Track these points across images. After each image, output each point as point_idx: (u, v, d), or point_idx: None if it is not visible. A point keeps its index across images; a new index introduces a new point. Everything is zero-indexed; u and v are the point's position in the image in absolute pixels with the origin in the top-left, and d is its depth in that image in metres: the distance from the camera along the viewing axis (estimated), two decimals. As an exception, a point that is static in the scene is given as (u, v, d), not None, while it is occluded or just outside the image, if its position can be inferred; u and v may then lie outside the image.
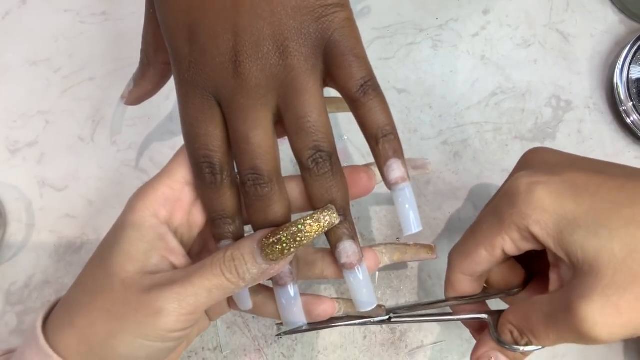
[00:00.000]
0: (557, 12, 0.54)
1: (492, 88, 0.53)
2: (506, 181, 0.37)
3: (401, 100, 0.52)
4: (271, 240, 0.31)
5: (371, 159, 0.34)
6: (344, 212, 0.33)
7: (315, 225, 0.31)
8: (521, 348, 0.35)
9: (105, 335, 0.30)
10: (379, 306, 0.37)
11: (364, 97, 0.32)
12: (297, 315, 0.35)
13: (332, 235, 0.34)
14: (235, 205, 0.34)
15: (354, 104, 0.32)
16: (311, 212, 0.32)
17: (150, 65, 0.38)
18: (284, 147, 0.33)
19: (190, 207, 0.35)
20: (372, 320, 0.37)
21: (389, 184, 0.33)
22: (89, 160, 0.52)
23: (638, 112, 0.50)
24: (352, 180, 0.35)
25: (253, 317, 0.48)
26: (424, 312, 0.39)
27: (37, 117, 0.52)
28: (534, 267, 0.38)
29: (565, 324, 0.31)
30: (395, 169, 0.32)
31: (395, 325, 0.48)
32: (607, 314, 0.29)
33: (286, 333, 0.36)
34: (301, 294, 0.35)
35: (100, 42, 0.54)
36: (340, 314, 0.37)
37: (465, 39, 0.54)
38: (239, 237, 0.34)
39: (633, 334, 0.31)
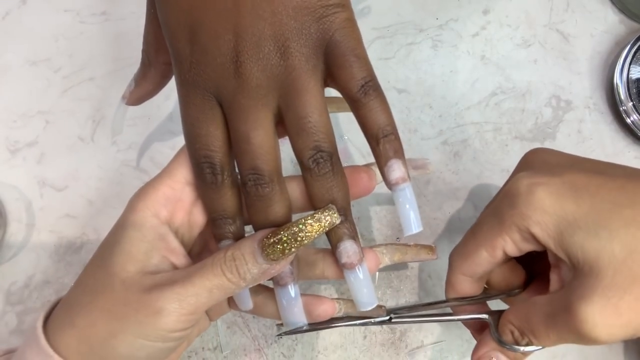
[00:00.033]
0: (557, 12, 0.54)
1: (492, 88, 0.53)
2: (507, 182, 0.37)
3: (401, 100, 0.52)
4: (272, 240, 0.31)
5: (371, 159, 0.34)
6: (345, 212, 0.33)
7: (316, 225, 0.31)
8: (522, 348, 0.35)
9: (106, 335, 0.30)
10: (379, 306, 0.37)
11: (364, 98, 0.32)
12: (298, 316, 0.35)
13: (332, 235, 0.34)
14: (236, 205, 0.34)
15: (355, 104, 0.32)
16: (312, 212, 0.32)
17: (152, 66, 0.38)
18: (284, 147, 0.33)
19: (191, 207, 0.35)
20: (372, 320, 0.37)
21: (389, 184, 0.33)
22: (89, 160, 0.52)
23: (638, 112, 0.50)
24: (353, 180, 0.35)
25: (253, 317, 0.48)
26: (424, 312, 0.39)
27: (37, 117, 0.52)
28: (535, 268, 0.38)
29: (566, 325, 0.31)
30: (396, 169, 0.32)
31: (395, 325, 0.48)
32: (607, 315, 0.30)
33: (286, 333, 0.36)
34: (301, 294, 0.35)
35: (101, 42, 0.54)
36: (340, 314, 0.37)
37: (465, 39, 0.54)
38: (239, 237, 0.34)
39: (633, 335, 0.31)
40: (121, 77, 0.53)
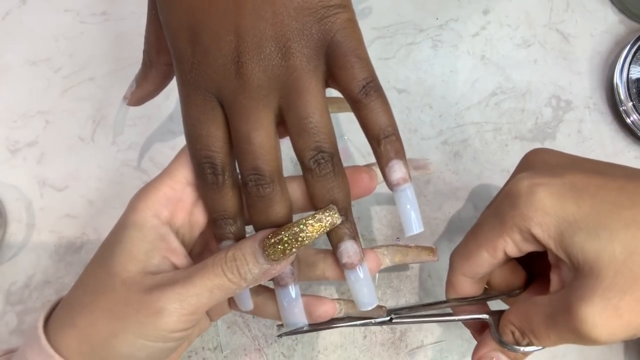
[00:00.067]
0: (557, 12, 0.54)
1: (492, 88, 0.53)
2: (507, 182, 0.37)
3: (401, 100, 0.52)
4: (273, 240, 0.31)
5: (372, 158, 0.34)
6: (346, 213, 0.33)
7: (317, 225, 0.31)
8: (522, 348, 0.35)
9: (107, 335, 0.30)
10: (380, 307, 0.37)
11: (365, 98, 0.32)
12: (298, 316, 0.35)
13: (333, 235, 0.34)
14: (236, 205, 0.34)
15: (356, 105, 0.32)
16: (313, 212, 0.32)
17: (153, 66, 0.38)
18: (285, 147, 0.33)
19: (192, 207, 0.35)
20: (373, 321, 0.37)
21: (390, 185, 0.33)
22: (89, 160, 0.52)
23: (638, 112, 0.50)
24: (354, 181, 0.35)
25: (253, 317, 0.48)
26: (424, 312, 0.39)
27: (37, 117, 0.52)
28: (535, 268, 0.38)
29: (566, 326, 0.31)
30: (397, 170, 0.32)
31: (395, 325, 0.48)
32: (607, 316, 0.30)
33: (287, 334, 0.36)
34: (302, 295, 0.35)
35: (101, 42, 0.54)
36: (341, 314, 0.37)
37: (465, 39, 0.54)
38: (240, 237, 0.34)
39: (633, 335, 0.31)
40: (121, 77, 0.53)
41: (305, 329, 0.36)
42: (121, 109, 0.43)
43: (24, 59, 0.54)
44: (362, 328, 0.48)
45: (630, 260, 0.29)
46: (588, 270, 0.30)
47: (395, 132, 0.33)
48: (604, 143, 0.52)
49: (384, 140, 0.32)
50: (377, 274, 0.49)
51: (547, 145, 0.52)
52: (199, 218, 0.35)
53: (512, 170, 0.39)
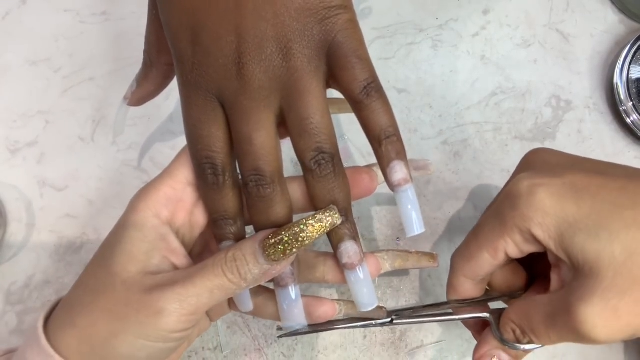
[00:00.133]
0: (557, 12, 0.54)
1: (492, 88, 0.53)
2: (508, 183, 0.37)
3: (401, 100, 0.52)
4: (273, 241, 0.31)
5: (372, 159, 0.34)
6: (346, 213, 0.33)
7: (317, 225, 0.31)
8: (522, 346, 0.35)
9: (107, 336, 0.30)
10: (380, 307, 0.37)
11: (367, 99, 0.32)
12: (298, 317, 0.35)
13: (333, 236, 0.34)
14: (237, 206, 0.34)
15: (357, 106, 0.32)
16: (313, 213, 0.32)
17: (153, 67, 0.38)
18: (285, 147, 0.33)
19: (192, 207, 0.35)
20: (374, 323, 0.37)
21: (391, 186, 0.33)
22: (89, 160, 0.52)
23: (638, 112, 0.50)
24: (354, 181, 0.35)
25: (253, 317, 0.48)
26: (425, 313, 0.39)
27: (37, 117, 0.52)
28: (536, 269, 0.38)
29: (566, 325, 0.31)
30: (398, 171, 0.32)
31: (396, 325, 0.48)
32: (606, 317, 0.30)
33: (287, 335, 0.36)
34: (302, 296, 0.35)
35: (101, 42, 0.54)
36: (340, 315, 0.37)
37: (465, 39, 0.54)
38: (240, 238, 0.34)
39: (633, 336, 0.31)
40: (122, 77, 0.53)
41: (305, 329, 0.36)
42: (121, 109, 0.43)
43: (24, 59, 0.54)
44: (362, 328, 0.48)
45: (630, 261, 0.29)
46: (588, 271, 0.30)
47: (396, 133, 0.33)
48: (604, 143, 0.52)
49: (385, 141, 0.32)
50: (377, 274, 0.49)
51: (547, 145, 0.52)
52: (200, 218, 0.35)
53: (512, 170, 0.39)
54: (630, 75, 0.50)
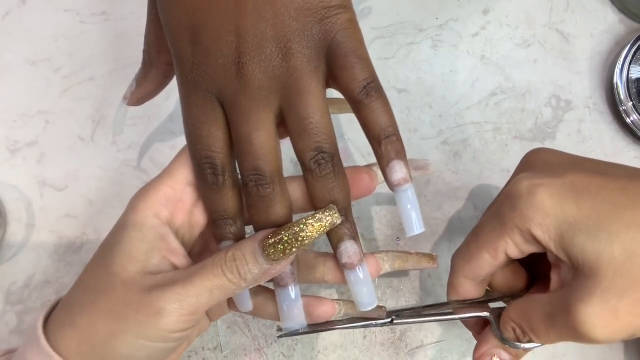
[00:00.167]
0: (557, 12, 0.54)
1: (492, 88, 0.53)
2: (508, 183, 0.37)
3: (401, 100, 0.52)
4: (273, 240, 0.31)
5: (372, 159, 0.34)
6: (346, 213, 0.33)
7: (317, 225, 0.31)
8: (523, 345, 0.35)
9: (107, 336, 0.30)
10: (380, 307, 0.37)
11: (366, 99, 0.32)
12: (298, 317, 0.35)
13: (333, 236, 0.34)
14: (236, 206, 0.34)
15: (357, 106, 0.32)
16: (313, 212, 0.32)
17: (153, 66, 0.38)
18: (285, 147, 0.33)
19: (192, 207, 0.35)
20: (374, 323, 0.37)
21: (391, 186, 0.33)
22: (89, 160, 0.52)
23: (638, 112, 0.50)
24: (354, 181, 0.35)
25: (253, 317, 0.48)
26: (425, 312, 0.39)
27: (37, 117, 0.52)
28: (537, 270, 0.38)
29: (565, 326, 0.31)
30: (398, 171, 0.32)
31: (396, 325, 0.48)
32: (605, 317, 0.30)
33: (287, 335, 0.36)
34: (302, 296, 0.35)
35: (101, 42, 0.54)
36: (340, 315, 0.37)
37: (465, 39, 0.54)
38: (240, 238, 0.34)
39: (632, 336, 0.31)
40: (121, 77, 0.53)
41: (305, 330, 0.36)
42: (121, 109, 0.43)
43: (24, 59, 0.54)
44: (362, 328, 0.48)
45: (629, 262, 0.29)
46: (587, 271, 0.30)
47: (396, 133, 0.33)
48: (604, 143, 0.52)
49: (385, 141, 0.32)
50: (376, 274, 0.49)
51: (547, 145, 0.52)
52: (199, 218, 0.35)
53: (512, 170, 0.39)
54: (630, 75, 0.50)
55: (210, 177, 0.33)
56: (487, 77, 0.53)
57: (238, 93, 0.31)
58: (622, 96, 0.50)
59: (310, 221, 0.31)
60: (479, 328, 0.39)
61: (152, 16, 0.36)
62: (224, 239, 0.34)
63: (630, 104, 0.50)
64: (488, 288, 0.39)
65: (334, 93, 0.34)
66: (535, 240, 0.32)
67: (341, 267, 0.34)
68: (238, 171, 0.34)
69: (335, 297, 0.48)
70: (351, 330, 0.48)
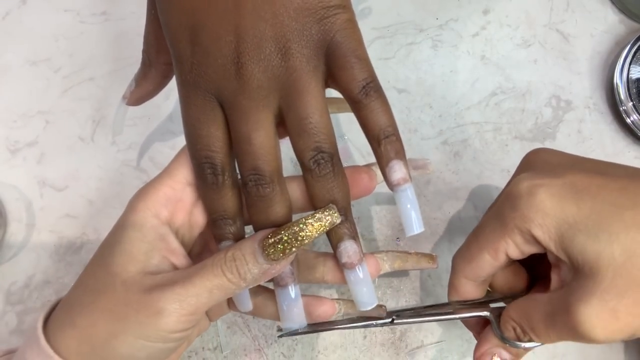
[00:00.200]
0: (557, 12, 0.54)
1: (492, 88, 0.53)
2: (508, 183, 0.37)
3: (401, 100, 0.52)
4: (273, 240, 0.31)
5: (372, 159, 0.34)
6: (345, 212, 0.33)
7: (317, 224, 0.31)
8: (523, 344, 0.35)
9: (107, 336, 0.30)
10: (380, 306, 0.37)
11: (365, 99, 0.32)
12: (298, 317, 0.35)
13: (333, 235, 0.34)
14: (236, 205, 0.34)
15: (356, 106, 0.32)
16: (312, 212, 0.32)
17: (152, 66, 0.38)
18: (285, 147, 0.33)
19: (192, 207, 0.35)
20: (374, 323, 0.37)
21: (390, 185, 0.33)
22: (89, 160, 0.52)
23: (638, 112, 0.50)
24: (354, 181, 0.35)
25: (253, 317, 0.48)
26: (426, 312, 0.39)
27: (37, 117, 0.52)
28: (538, 271, 0.38)
29: (565, 325, 0.31)
30: (397, 170, 0.32)
31: (396, 325, 0.48)
32: (604, 318, 0.30)
33: (287, 334, 0.36)
34: (302, 295, 0.35)
35: (101, 42, 0.54)
36: (340, 314, 0.37)
37: (465, 39, 0.54)
38: (239, 237, 0.34)
39: (632, 336, 0.31)
40: (121, 77, 0.53)
41: (305, 329, 0.36)
42: (120, 109, 0.43)
43: (24, 59, 0.54)
44: (362, 328, 0.48)
45: (629, 262, 0.29)
46: (587, 272, 0.30)
47: (395, 133, 0.33)
48: (604, 143, 0.52)
49: (384, 141, 0.32)
50: (376, 274, 0.49)
51: (547, 145, 0.52)
52: (199, 218, 0.35)
53: (512, 170, 0.39)
54: (630, 75, 0.50)
55: (210, 176, 0.33)
56: (487, 77, 0.53)
57: (237, 93, 0.31)
58: (622, 96, 0.50)
59: (310, 221, 0.31)
60: (480, 328, 0.39)
61: (151, 16, 0.36)
62: (223, 238, 0.34)
63: (630, 104, 0.50)
64: (489, 289, 0.39)
65: (332, 92, 0.34)
66: (536, 241, 0.32)
67: (341, 266, 0.34)
68: (237, 171, 0.34)
69: (335, 296, 0.48)
70: (351, 330, 0.48)
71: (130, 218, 0.33)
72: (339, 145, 0.33)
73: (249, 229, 0.35)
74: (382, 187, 0.35)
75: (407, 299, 0.49)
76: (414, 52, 0.54)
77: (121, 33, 0.54)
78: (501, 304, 0.37)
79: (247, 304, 0.36)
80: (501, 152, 0.52)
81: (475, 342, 0.38)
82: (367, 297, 0.35)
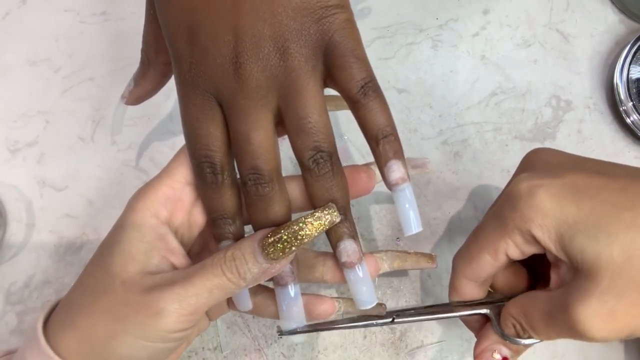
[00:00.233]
0: (557, 12, 0.54)
1: (492, 88, 0.53)
2: (508, 183, 0.37)
3: (401, 100, 0.52)
4: (272, 239, 0.31)
5: (371, 159, 0.34)
6: (345, 212, 0.33)
7: (316, 223, 0.31)
8: (523, 341, 0.35)
9: (107, 337, 0.30)
10: (379, 304, 0.37)
11: (364, 98, 0.32)
12: (298, 316, 0.35)
13: (332, 234, 0.34)
14: (235, 205, 0.34)
15: (355, 105, 0.32)
16: (312, 211, 0.32)
17: (151, 66, 0.38)
18: (284, 147, 0.33)
19: (191, 207, 0.35)
20: (375, 322, 0.37)
21: (389, 185, 0.33)
22: (89, 160, 0.52)
23: (638, 112, 0.50)
24: (353, 180, 0.35)
25: (253, 317, 0.48)
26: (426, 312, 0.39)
27: (37, 117, 0.52)
28: (539, 271, 0.38)
29: (564, 324, 0.31)
30: (396, 170, 0.33)
31: (396, 325, 0.48)
32: (602, 318, 0.30)
33: (287, 334, 0.36)
34: (302, 294, 0.35)
35: (100, 42, 0.54)
36: (340, 312, 0.37)
37: (465, 39, 0.54)
38: (239, 237, 0.34)
39: (631, 335, 0.31)
40: (121, 77, 0.53)
41: (304, 328, 0.36)
42: (119, 108, 0.43)
43: (24, 59, 0.54)
44: (362, 328, 0.48)
45: (628, 263, 0.29)
46: (586, 272, 0.30)
47: (393, 132, 0.33)
48: (604, 143, 0.52)
49: (382, 140, 0.32)
50: (376, 274, 0.49)
51: (547, 145, 0.52)
52: (198, 218, 0.35)
53: (512, 170, 0.39)
54: (630, 75, 0.50)
55: (209, 176, 0.33)
56: (487, 77, 0.53)
57: (236, 92, 0.32)
58: (622, 96, 0.50)
59: (310, 220, 0.31)
60: (480, 328, 0.39)
61: (150, 16, 0.36)
62: (223, 238, 0.34)
63: (630, 104, 0.50)
64: (490, 289, 0.39)
65: (330, 90, 0.34)
66: (535, 241, 0.32)
67: (340, 266, 0.34)
68: (237, 170, 0.34)
69: (335, 295, 0.48)
70: (351, 330, 0.48)
71: (130, 218, 0.33)
72: (339, 146, 0.33)
73: (248, 228, 0.35)
74: (381, 187, 0.35)
75: (407, 299, 0.49)
76: (414, 52, 0.54)
77: (121, 33, 0.54)
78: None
79: (247, 303, 0.36)
80: (501, 152, 0.52)
81: (478, 337, 0.38)
82: (366, 296, 0.35)
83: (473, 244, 0.36)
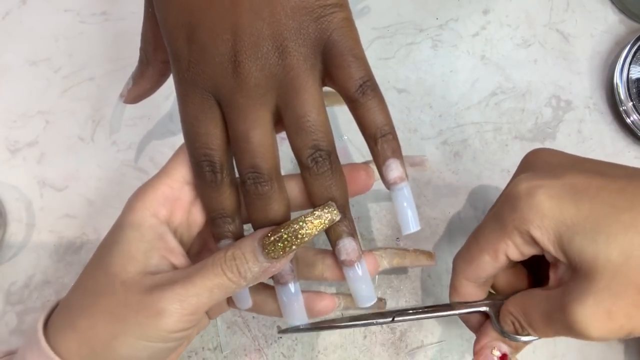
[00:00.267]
0: (557, 12, 0.54)
1: (492, 88, 0.53)
2: (508, 184, 0.37)
3: (401, 100, 0.52)
4: (272, 238, 0.31)
5: (371, 159, 0.34)
6: (344, 210, 0.33)
7: (316, 222, 0.31)
8: (522, 338, 0.35)
9: (107, 337, 0.30)
10: (380, 299, 0.37)
11: (362, 97, 0.32)
12: (299, 314, 0.35)
13: (332, 233, 0.34)
14: (234, 204, 0.34)
15: (353, 104, 0.32)
16: (312, 210, 0.32)
17: (150, 64, 0.38)
18: (283, 146, 0.33)
19: (190, 206, 0.35)
20: (375, 321, 0.37)
21: (387, 184, 0.33)
22: (89, 160, 0.52)
23: (638, 112, 0.50)
24: (351, 178, 0.35)
25: (253, 316, 0.48)
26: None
27: (37, 117, 0.52)
28: (540, 272, 0.38)
29: (562, 323, 0.31)
30: (394, 169, 0.33)
31: (395, 325, 0.48)
32: (599, 319, 0.30)
33: (288, 331, 0.36)
34: (302, 291, 0.35)
35: (100, 42, 0.54)
36: (340, 308, 0.37)
37: (465, 39, 0.54)
38: (238, 236, 0.34)
39: (629, 335, 0.31)
40: (121, 76, 0.53)
41: (306, 326, 0.36)
42: (118, 107, 0.43)
43: (24, 59, 0.54)
44: (362, 328, 0.48)
45: (626, 265, 0.29)
46: (585, 273, 0.30)
47: (391, 131, 0.33)
48: (604, 143, 0.52)
49: (380, 139, 0.32)
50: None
51: (547, 145, 0.52)
52: (197, 217, 0.35)
53: (512, 170, 0.39)
54: (630, 75, 0.50)
55: (209, 174, 0.33)
56: (487, 77, 0.53)
57: (234, 91, 0.32)
58: (622, 96, 0.50)
59: (309, 218, 0.31)
60: (480, 326, 0.39)
61: (149, 14, 0.36)
62: (222, 237, 0.34)
63: (630, 104, 0.50)
64: (491, 290, 0.39)
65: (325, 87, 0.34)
66: (535, 242, 0.32)
67: (340, 264, 0.34)
68: (236, 169, 0.34)
69: (335, 292, 0.48)
70: (351, 330, 0.48)
71: (129, 218, 0.33)
72: (338, 146, 0.33)
73: (247, 227, 0.35)
74: (381, 187, 0.35)
75: (407, 299, 0.49)
76: (414, 52, 0.54)
77: (121, 33, 0.54)
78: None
79: (247, 301, 0.36)
80: (501, 152, 0.52)
81: (477, 334, 0.38)
82: (366, 293, 0.35)
83: (473, 244, 0.36)
